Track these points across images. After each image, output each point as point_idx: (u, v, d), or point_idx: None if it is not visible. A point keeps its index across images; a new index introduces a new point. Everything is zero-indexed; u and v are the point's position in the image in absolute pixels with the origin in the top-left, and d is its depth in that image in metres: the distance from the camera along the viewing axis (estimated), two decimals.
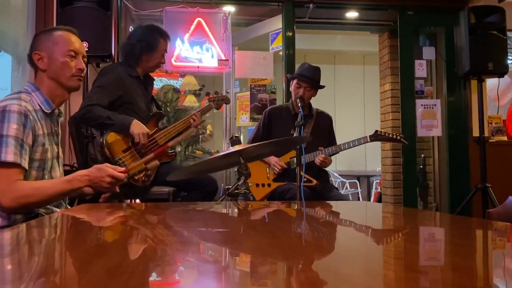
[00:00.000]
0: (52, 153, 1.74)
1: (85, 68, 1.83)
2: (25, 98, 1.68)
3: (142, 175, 2.57)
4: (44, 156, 1.69)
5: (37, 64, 1.74)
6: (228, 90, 4.80)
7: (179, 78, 5.99)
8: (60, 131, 1.86)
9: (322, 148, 3.03)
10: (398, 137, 3.06)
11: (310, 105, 3.23)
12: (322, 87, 3.18)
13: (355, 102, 8.26)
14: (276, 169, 3.08)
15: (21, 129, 1.59)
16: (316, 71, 3.14)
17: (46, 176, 1.71)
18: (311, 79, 3.09)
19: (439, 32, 4.79)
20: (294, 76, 3.15)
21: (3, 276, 0.69)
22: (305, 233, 1.16)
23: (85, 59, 1.84)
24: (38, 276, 0.68)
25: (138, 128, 2.55)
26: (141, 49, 2.73)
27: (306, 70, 3.12)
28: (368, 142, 3.00)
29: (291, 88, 3.17)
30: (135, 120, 2.57)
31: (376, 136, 3.02)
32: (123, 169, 1.77)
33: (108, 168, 1.71)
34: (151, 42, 2.74)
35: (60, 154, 1.85)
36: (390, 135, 3.07)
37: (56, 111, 1.78)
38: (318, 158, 2.99)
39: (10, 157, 1.54)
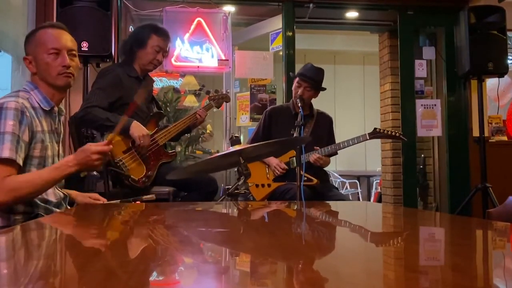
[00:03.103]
0: (52, 150, 1.75)
1: (73, 63, 1.76)
2: (23, 95, 1.69)
3: (142, 176, 2.57)
4: (44, 153, 1.69)
5: (28, 68, 1.76)
6: (228, 90, 4.79)
7: (179, 78, 5.99)
8: (62, 130, 1.86)
9: (317, 148, 3.02)
10: (397, 134, 3.06)
11: (311, 105, 3.23)
12: (323, 89, 3.17)
13: (355, 102, 8.26)
14: (277, 171, 3.07)
15: (17, 125, 1.60)
16: (318, 72, 3.13)
17: None
18: (312, 79, 3.08)
19: (439, 32, 4.79)
20: (295, 75, 3.16)
21: (2, 277, 0.69)
22: (305, 233, 1.16)
23: (74, 52, 1.77)
24: (38, 277, 0.68)
25: (138, 130, 2.54)
26: (131, 44, 2.73)
27: (308, 70, 3.12)
28: (367, 139, 3.00)
29: (292, 87, 3.18)
30: (135, 121, 2.56)
31: (375, 134, 3.01)
32: (105, 142, 1.75)
33: (91, 146, 1.70)
34: (140, 38, 2.73)
35: (61, 152, 1.85)
36: (389, 132, 3.08)
37: (56, 109, 1.78)
38: (312, 156, 2.99)
39: (5, 153, 1.55)
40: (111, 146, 1.75)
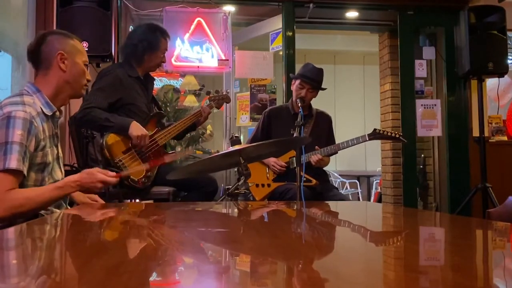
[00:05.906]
0: (52, 155, 1.74)
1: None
2: (29, 101, 1.66)
3: (142, 177, 2.57)
4: (45, 159, 1.68)
5: (58, 63, 1.72)
6: (228, 90, 4.79)
7: (179, 78, 5.99)
8: (59, 132, 1.85)
9: (318, 147, 3.02)
10: (397, 135, 3.06)
11: (310, 105, 3.22)
12: (324, 89, 3.17)
13: (355, 102, 8.26)
14: (275, 169, 3.07)
15: (26, 135, 1.58)
16: (320, 72, 3.13)
17: (46, 178, 1.71)
18: (314, 81, 3.08)
19: (439, 32, 4.79)
20: (297, 77, 3.13)
21: (3, 275, 0.69)
22: (305, 233, 1.16)
23: None
24: (38, 276, 0.68)
25: (137, 130, 2.54)
26: (143, 49, 2.73)
27: (310, 71, 3.10)
28: (367, 140, 3.00)
29: (293, 88, 3.16)
30: (134, 122, 2.56)
31: (375, 135, 3.01)
32: (113, 173, 1.76)
33: (98, 174, 1.71)
34: (153, 42, 2.74)
35: (60, 155, 1.84)
36: (389, 133, 3.07)
37: (57, 113, 1.78)
38: (313, 158, 2.98)
39: (13, 163, 1.54)
40: (117, 180, 1.79)
